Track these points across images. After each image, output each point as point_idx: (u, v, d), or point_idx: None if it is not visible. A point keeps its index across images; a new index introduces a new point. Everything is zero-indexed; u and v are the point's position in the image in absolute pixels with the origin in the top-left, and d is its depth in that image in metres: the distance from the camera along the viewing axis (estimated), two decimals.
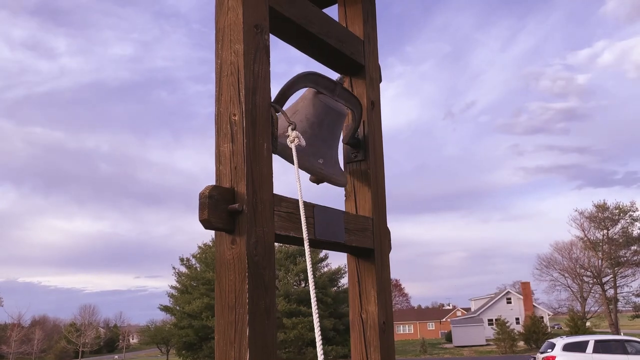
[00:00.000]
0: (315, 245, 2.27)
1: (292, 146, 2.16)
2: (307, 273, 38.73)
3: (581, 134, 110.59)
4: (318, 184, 2.51)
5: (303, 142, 2.21)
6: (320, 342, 1.77)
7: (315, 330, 1.77)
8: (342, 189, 2.67)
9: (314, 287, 1.89)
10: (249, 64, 1.98)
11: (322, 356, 1.72)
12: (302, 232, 2.10)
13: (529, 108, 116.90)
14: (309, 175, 2.48)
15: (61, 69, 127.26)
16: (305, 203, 2.17)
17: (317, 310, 1.81)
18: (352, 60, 2.65)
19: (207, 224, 1.80)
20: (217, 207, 1.81)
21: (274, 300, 1.90)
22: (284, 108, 2.26)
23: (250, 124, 1.93)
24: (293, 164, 2.44)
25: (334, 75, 2.76)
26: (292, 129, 2.20)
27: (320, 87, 2.43)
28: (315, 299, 1.84)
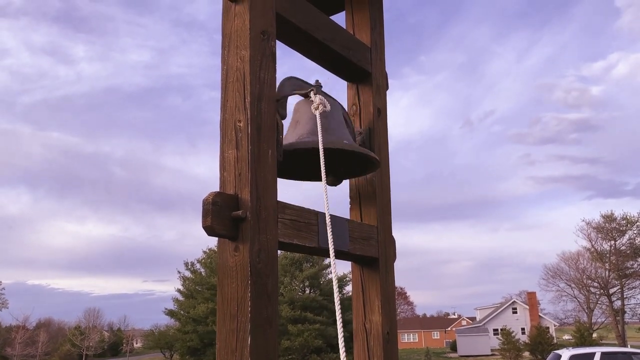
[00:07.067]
0: (320, 253, 2.25)
1: (317, 113, 2.01)
2: (312, 280, 38.62)
3: (593, 144, 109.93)
4: (336, 185, 2.38)
5: (328, 107, 2.07)
6: (343, 347, 1.73)
7: (338, 338, 1.72)
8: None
9: (338, 298, 1.85)
10: (255, 70, 1.97)
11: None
12: (305, 240, 2.08)
13: (542, 118, 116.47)
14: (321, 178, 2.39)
15: (78, 74, 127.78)
16: (309, 210, 2.15)
17: (340, 318, 1.76)
18: (359, 67, 2.64)
19: (210, 230, 1.78)
20: (220, 214, 1.79)
21: (277, 309, 1.88)
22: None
23: (255, 130, 1.91)
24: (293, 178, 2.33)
25: (342, 83, 2.75)
26: (315, 94, 2.05)
27: (304, 90, 2.40)
28: (339, 309, 1.80)
